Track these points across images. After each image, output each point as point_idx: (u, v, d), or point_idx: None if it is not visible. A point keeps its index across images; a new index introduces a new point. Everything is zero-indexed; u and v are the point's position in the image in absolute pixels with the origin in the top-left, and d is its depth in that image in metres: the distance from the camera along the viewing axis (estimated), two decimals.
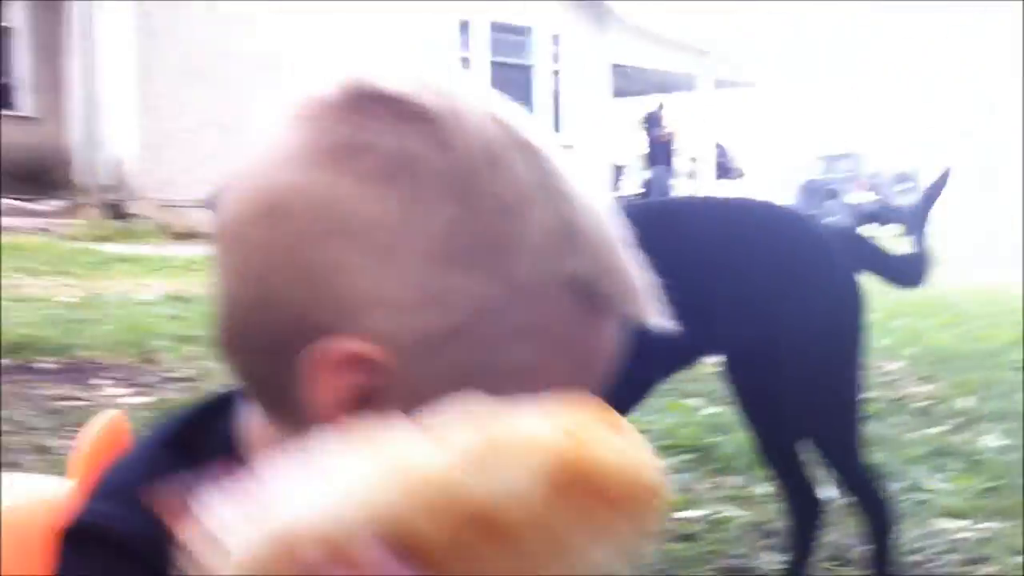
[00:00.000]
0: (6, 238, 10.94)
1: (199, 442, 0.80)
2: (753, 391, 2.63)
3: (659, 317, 0.78)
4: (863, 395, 2.49)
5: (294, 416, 0.72)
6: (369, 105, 0.70)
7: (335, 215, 0.68)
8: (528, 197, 0.70)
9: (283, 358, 0.71)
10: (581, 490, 0.53)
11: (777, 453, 2.70)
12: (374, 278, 0.68)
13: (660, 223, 2.41)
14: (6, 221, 12.15)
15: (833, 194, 24.79)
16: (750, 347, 2.42)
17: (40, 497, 1.49)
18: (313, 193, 0.69)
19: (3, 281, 7.89)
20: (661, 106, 20.45)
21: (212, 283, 0.75)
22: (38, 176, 14.84)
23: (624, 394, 2.45)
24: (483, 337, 0.69)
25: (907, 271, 2.61)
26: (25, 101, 15.21)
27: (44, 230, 12.11)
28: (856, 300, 2.44)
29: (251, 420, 0.79)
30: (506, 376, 0.69)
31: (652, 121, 20.19)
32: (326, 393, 0.70)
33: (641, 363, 2.41)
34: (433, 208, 0.68)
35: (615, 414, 0.60)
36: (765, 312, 2.35)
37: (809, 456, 2.87)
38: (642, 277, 0.77)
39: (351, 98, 0.71)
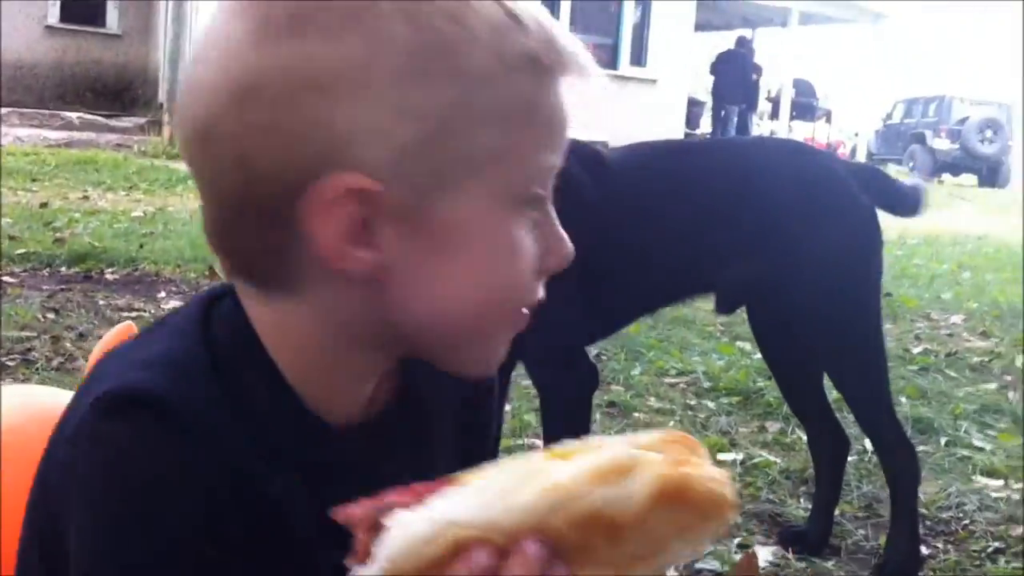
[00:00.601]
0: (82, 152, 11.17)
1: (215, 326, 0.87)
2: (772, 327, 2.63)
3: (598, 71, 0.84)
4: (880, 336, 2.47)
5: (293, 284, 0.82)
6: None
7: (303, 76, 0.75)
8: (486, 30, 0.77)
9: (280, 221, 0.78)
10: (678, 503, 0.67)
11: (801, 395, 2.70)
12: (352, 115, 0.76)
13: (676, 163, 2.45)
14: (84, 136, 12.39)
15: (920, 139, 24.16)
16: (767, 283, 2.41)
17: (41, 407, 1.54)
18: (275, 66, 0.75)
19: (74, 194, 8.09)
20: (741, 42, 19.89)
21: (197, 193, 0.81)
22: (121, 93, 15.09)
23: (625, 315, 2.50)
24: (456, 133, 0.77)
25: (905, 201, 2.57)
26: (113, 18, 15.38)
27: (120, 146, 12.32)
28: (873, 236, 2.43)
29: (252, 308, 0.86)
30: (485, 160, 0.79)
31: (726, 58, 19.60)
32: (327, 232, 0.78)
33: (650, 286, 2.46)
34: (390, 36, 0.75)
35: (701, 447, 0.73)
36: (780, 247, 2.36)
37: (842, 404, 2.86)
38: (575, 42, 0.83)
39: None
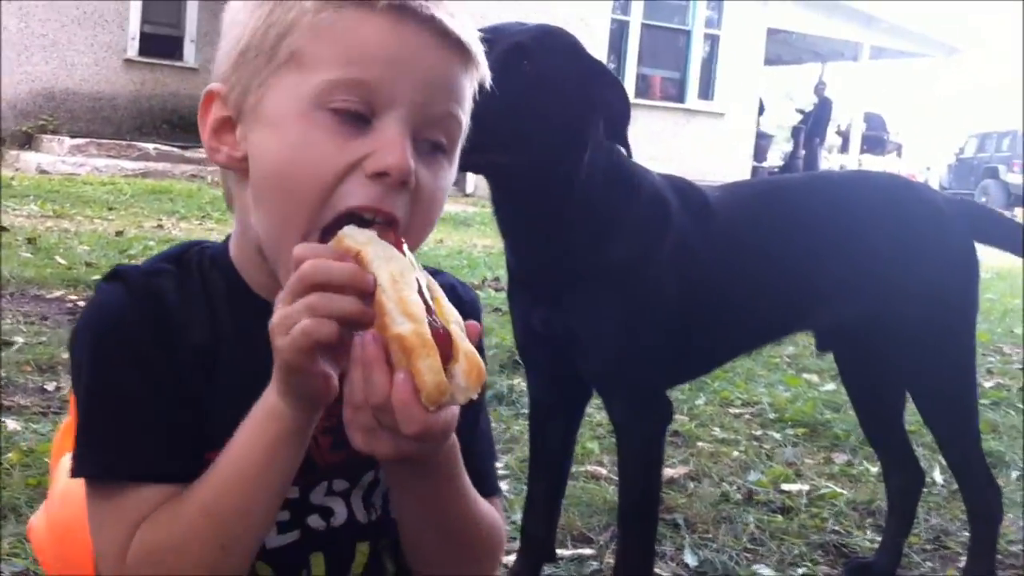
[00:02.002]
0: (157, 182, 11.41)
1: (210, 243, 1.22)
2: (861, 358, 2.60)
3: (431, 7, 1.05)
4: (974, 372, 2.43)
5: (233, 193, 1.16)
6: None
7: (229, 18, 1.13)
8: None
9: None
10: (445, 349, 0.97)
11: (881, 426, 2.67)
12: (221, 49, 1.12)
13: (778, 202, 2.41)
14: (159, 166, 12.65)
15: (993, 173, 23.77)
16: (869, 319, 2.38)
17: None
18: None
19: (149, 223, 8.26)
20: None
21: None
22: (196, 125, 15.33)
23: (724, 354, 2.47)
24: (266, 39, 1.06)
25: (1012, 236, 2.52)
26: (190, 52, 15.71)
27: (195, 176, 12.56)
28: (973, 270, 2.39)
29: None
30: (284, 61, 1.06)
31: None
32: (205, 131, 1.12)
33: (749, 324, 2.42)
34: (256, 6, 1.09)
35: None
36: (883, 283, 2.33)
37: (914, 436, 2.82)
38: None
39: None
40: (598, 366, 2.16)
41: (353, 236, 1.00)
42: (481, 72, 1.14)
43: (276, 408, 1.03)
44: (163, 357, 1.11)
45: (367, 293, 0.96)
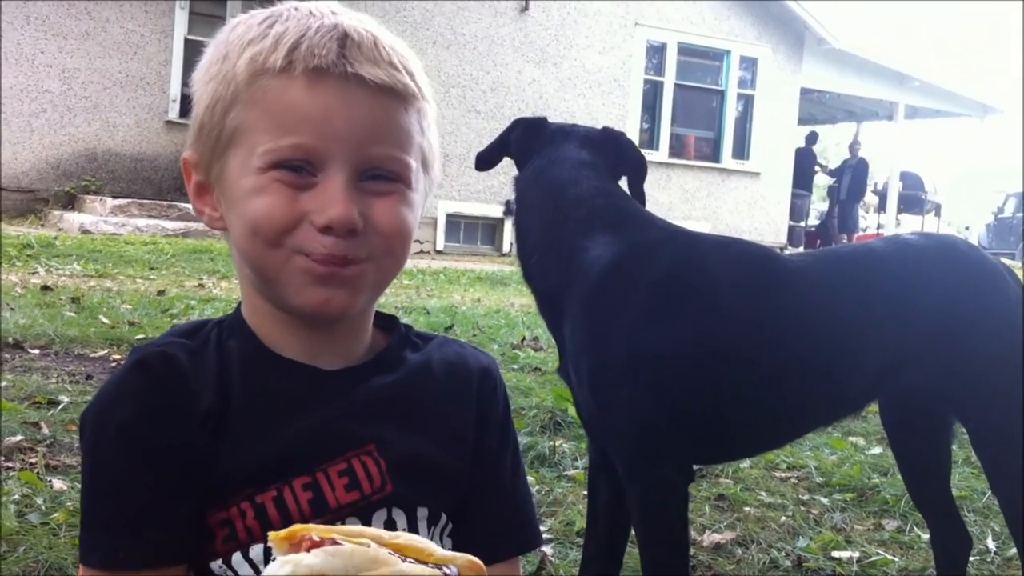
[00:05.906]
0: (198, 242, 11.52)
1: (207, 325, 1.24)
2: (910, 423, 2.56)
3: (365, 65, 1.12)
4: None
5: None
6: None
7: (193, 90, 1.19)
8: (241, 46, 1.13)
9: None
10: None
11: (928, 492, 2.63)
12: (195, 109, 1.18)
13: (855, 271, 2.36)
14: (200, 226, 12.77)
15: None
16: (927, 382, 2.34)
17: None
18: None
19: (190, 282, 8.33)
20: (810, 138, 19.63)
21: None
22: None
23: (800, 425, 2.43)
24: (215, 113, 1.14)
25: None
26: None
27: None
28: None
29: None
30: (234, 134, 1.13)
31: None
32: (190, 195, 1.20)
33: (813, 401, 2.34)
34: (209, 66, 1.17)
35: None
36: (946, 347, 2.30)
37: (964, 502, 2.77)
38: (325, 47, 1.11)
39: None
40: (584, 412, 2.11)
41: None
42: (426, 96, 1.18)
43: None
44: (171, 435, 1.12)
45: None
